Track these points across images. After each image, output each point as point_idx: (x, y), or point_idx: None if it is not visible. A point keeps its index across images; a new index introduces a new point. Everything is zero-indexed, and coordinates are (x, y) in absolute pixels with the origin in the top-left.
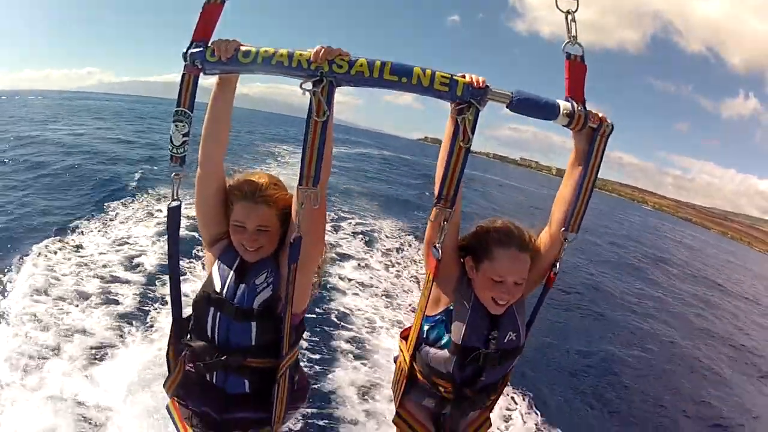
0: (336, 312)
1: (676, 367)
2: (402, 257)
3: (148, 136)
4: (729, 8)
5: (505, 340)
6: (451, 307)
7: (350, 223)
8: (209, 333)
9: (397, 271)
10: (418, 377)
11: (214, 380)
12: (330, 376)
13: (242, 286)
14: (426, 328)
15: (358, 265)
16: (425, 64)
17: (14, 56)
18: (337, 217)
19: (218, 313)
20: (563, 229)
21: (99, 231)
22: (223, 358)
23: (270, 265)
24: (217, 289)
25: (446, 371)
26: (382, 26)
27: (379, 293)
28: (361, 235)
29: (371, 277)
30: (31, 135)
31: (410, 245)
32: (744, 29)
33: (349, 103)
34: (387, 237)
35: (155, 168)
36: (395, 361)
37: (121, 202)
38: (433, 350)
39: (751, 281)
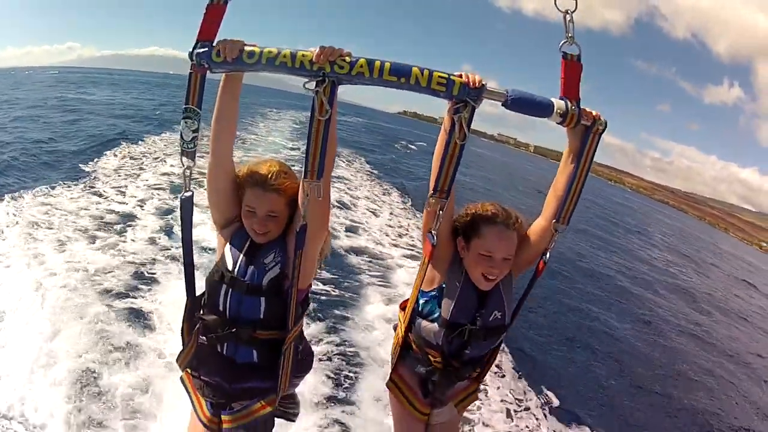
0: (338, 283)
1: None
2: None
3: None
4: None
5: (490, 319)
6: (444, 285)
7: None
8: (221, 308)
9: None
10: (413, 346)
11: (224, 351)
12: (330, 345)
13: (252, 265)
14: (421, 302)
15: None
16: (407, 44)
17: None
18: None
19: (230, 290)
20: (554, 220)
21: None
22: (233, 330)
23: (278, 245)
24: (230, 268)
25: (436, 343)
26: (361, 4)
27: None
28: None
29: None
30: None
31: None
32: (730, 18)
33: None
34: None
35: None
36: (394, 329)
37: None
38: (425, 323)
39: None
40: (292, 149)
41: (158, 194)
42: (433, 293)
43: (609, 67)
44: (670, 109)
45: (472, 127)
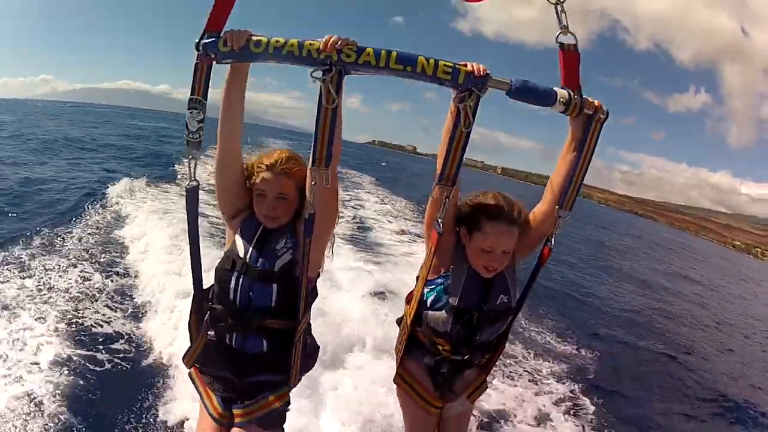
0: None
1: None
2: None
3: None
4: (676, 2)
5: (497, 303)
6: (449, 273)
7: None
8: (232, 296)
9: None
10: (419, 337)
11: (233, 343)
12: (334, 339)
13: (264, 251)
14: (426, 291)
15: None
16: None
17: None
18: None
19: (241, 277)
20: (557, 206)
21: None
22: (243, 318)
23: (289, 232)
24: (241, 255)
25: (444, 330)
26: (324, 29)
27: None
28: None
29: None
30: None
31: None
32: (693, 23)
33: (295, 108)
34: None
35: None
36: (398, 323)
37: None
38: (432, 312)
39: None
40: None
41: None
42: (439, 281)
43: None
44: (635, 121)
45: (437, 152)
